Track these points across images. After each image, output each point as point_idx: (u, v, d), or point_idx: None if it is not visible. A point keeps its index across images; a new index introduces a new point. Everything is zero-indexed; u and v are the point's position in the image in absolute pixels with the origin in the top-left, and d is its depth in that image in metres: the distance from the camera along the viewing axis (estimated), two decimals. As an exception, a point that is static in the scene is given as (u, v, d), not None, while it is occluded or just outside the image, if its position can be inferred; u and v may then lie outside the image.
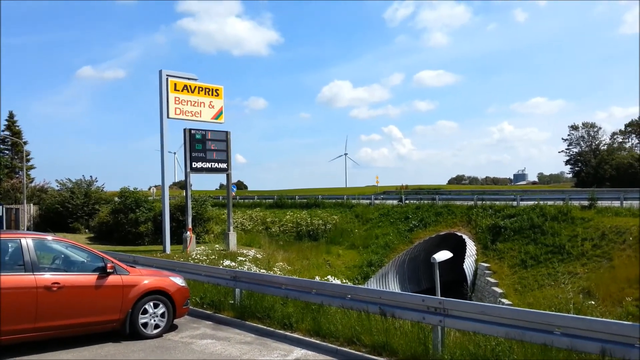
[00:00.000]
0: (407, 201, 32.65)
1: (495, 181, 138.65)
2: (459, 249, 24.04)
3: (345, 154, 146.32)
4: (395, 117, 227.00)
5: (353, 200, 35.54)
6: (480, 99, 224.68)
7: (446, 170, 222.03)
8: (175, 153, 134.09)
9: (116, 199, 29.06)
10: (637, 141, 74.94)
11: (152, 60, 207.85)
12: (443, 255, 8.00)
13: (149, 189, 58.69)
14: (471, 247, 23.83)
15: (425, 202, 31.07)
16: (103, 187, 32.65)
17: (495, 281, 20.83)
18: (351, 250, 27.96)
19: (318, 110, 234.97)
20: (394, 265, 26.00)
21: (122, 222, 25.22)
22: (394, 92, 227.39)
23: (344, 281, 18.91)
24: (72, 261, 7.78)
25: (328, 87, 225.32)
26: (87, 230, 29.18)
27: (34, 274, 7.20)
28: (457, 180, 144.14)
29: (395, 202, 33.35)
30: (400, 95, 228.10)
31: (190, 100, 21.11)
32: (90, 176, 32.30)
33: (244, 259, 18.42)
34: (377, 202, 34.33)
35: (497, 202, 27.21)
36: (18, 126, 49.69)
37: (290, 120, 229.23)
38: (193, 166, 20.68)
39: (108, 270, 7.76)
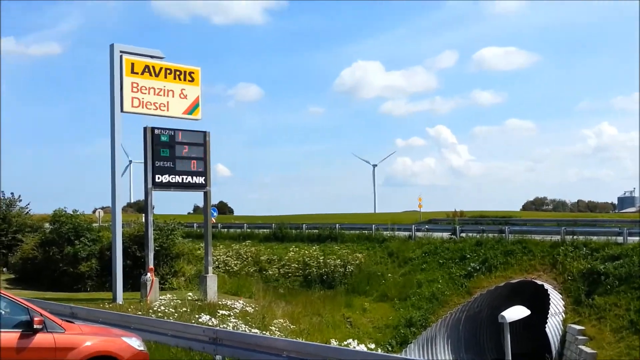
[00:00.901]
0: (463, 234, 32.50)
1: (591, 207, 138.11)
2: (538, 304, 23.78)
3: (374, 166, 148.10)
4: (445, 114, 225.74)
5: (385, 232, 35.41)
6: (568, 89, 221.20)
7: (519, 190, 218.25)
8: (131, 162, 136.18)
9: (47, 225, 29.28)
10: None
11: (99, 31, 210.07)
12: (516, 312, 7.96)
13: (94, 212, 59.27)
14: (557, 302, 23.64)
15: (490, 235, 30.89)
16: (28, 210, 32.96)
17: (593, 351, 20.60)
18: (382, 303, 27.85)
19: (335, 103, 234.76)
20: (445, 326, 25.84)
21: (54, 258, 25.38)
22: (444, 78, 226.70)
23: (372, 348, 18.79)
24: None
25: (349, 70, 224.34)
26: (5, 270, 29.42)
27: None
28: (536, 205, 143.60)
29: (445, 234, 33.19)
30: (453, 83, 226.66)
31: (153, 87, 21.35)
32: (12, 193, 32.59)
33: (228, 313, 18.40)
34: (419, 234, 34.20)
35: (595, 238, 27.08)
36: None
37: (295, 117, 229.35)
38: (157, 180, 20.83)
39: (35, 327, 7.82)
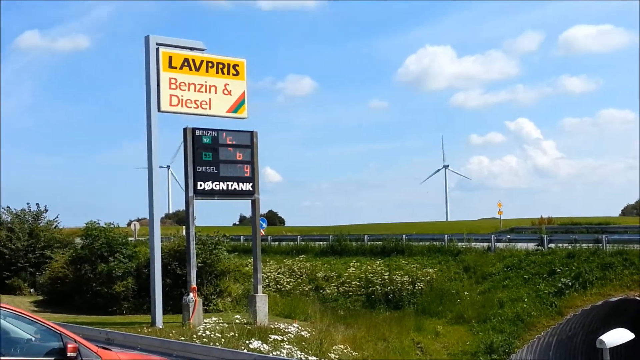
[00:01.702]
0: (551, 244, 31.94)
1: None
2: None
3: (445, 167, 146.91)
4: (528, 105, 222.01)
5: (459, 243, 35.01)
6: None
7: (618, 192, 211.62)
8: (169, 167, 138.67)
9: (78, 240, 29.91)
10: None
11: (131, 21, 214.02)
12: (617, 336, 7.81)
13: (130, 224, 60.45)
14: (665, 323, 23.03)
15: (584, 246, 30.27)
16: (57, 223, 33.61)
17: None
18: (457, 325, 27.60)
19: (398, 96, 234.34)
20: (532, 353, 25.47)
21: (87, 277, 25.91)
22: (527, 64, 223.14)
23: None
24: (12, 339, 8.05)
25: (415, 57, 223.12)
26: (32, 290, 30.15)
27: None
28: (639, 209, 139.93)
29: (531, 245, 32.64)
30: (538, 69, 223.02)
31: (194, 83, 21.62)
32: (37, 205, 33.17)
33: (281, 338, 18.47)
34: (500, 245, 33.75)
35: None
36: None
37: (354, 112, 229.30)
38: (199, 188, 21.09)
39: (69, 354, 7.97)
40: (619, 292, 26.01)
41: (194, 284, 21.08)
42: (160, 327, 20.25)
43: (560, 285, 27.75)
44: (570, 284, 27.59)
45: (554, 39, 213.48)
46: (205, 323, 20.22)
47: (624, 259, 27.67)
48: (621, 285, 26.40)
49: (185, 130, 21.15)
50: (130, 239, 29.96)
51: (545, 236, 32.72)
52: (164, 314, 21.29)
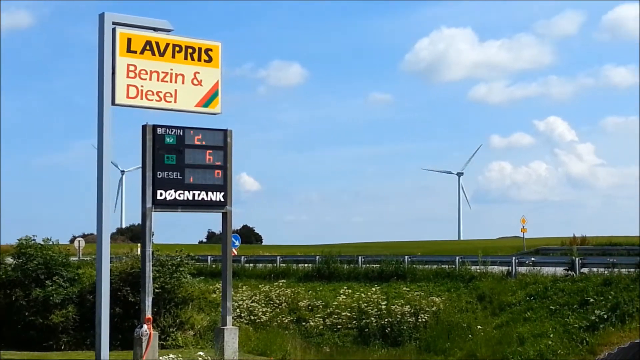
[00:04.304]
0: (584, 269, 32.10)
1: None
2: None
3: (459, 175, 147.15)
4: (562, 101, 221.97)
5: (473, 267, 35.13)
6: None
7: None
8: (123, 173, 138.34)
9: (9, 259, 29.79)
10: None
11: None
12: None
13: (73, 241, 60.36)
14: None
15: (623, 271, 30.49)
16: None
17: None
18: (469, 366, 27.66)
19: (405, 88, 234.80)
20: (558, 400, 25.50)
21: (18, 304, 25.74)
22: (563, 50, 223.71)
23: None
24: None
25: (427, 41, 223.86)
26: (-47, 321, 29.97)
27: None
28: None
29: (559, 270, 32.82)
30: (576, 57, 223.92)
31: (157, 71, 21.47)
32: (-38, 217, 33.22)
33: (253, 380, 18.42)
34: (522, 269, 33.88)
35: None
36: None
37: (352, 107, 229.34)
38: (159, 197, 20.96)
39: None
40: (663, 327, 26.15)
41: (149, 314, 20.93)
42: (107, 366, 20.13)
43: (593, 318, 27.86)
44: (605, 316, 27.70)
45: (597, 20, 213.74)
46: (162, 362, 20.13)
47: (672, 288, 27.83)
48: (667, 319, 26.54)
49: (144, 127, 21.03)
50: (72, 258, 29.85)
51: (576, 259, 32.90)
52: (111, 349, 21.08)
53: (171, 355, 21.20)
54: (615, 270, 30.93)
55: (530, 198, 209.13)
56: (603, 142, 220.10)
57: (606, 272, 30.94)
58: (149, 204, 20.91)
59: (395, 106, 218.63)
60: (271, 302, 34.21)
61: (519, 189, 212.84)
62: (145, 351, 20.51)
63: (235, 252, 43.00)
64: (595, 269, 31.90)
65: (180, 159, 21.29)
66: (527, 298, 30.83)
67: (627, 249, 47.01)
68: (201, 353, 21.34)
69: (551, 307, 29.56)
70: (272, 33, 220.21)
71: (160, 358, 20.73)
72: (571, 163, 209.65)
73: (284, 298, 34.60)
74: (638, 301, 27.74)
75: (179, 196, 21.28)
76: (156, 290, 23.40)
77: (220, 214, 22.37)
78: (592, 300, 28.88)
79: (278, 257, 43.80)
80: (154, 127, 21.10)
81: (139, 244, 24.77)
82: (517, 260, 34.82)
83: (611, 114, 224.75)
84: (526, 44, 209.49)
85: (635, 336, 26.13)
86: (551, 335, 27.77)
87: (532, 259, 36.29)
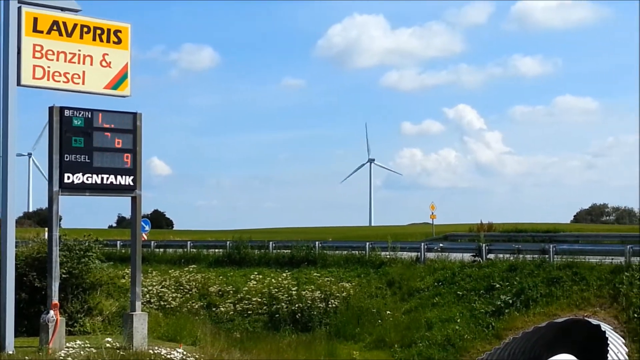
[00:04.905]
0: (491, 255, 32.62)
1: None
2: (593, 352, 23.92)
3: (370, 161, 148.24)
4: (472, 89, 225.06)
5: (383, 253, 35.39)
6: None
7: (572, 195, 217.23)
8: (31, 155, 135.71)
9: None
10: None
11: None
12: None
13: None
14: (618, 348, 23.81)
15: (528, 257, 31.06)
16: None
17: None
18: (377, 350, 27.91)
19: (318, 74, 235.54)
20: (464, 383, 25.90)
21: None
22: (473, 39, 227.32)
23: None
24: None
25: (340, 27, 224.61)
26: None
27: None
28: (593, 215, 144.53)
29: (467, 256, 33.33)
30: (485, 45, 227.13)
31: (65, 52, 21.16)
32: None
33: (162, 367, 18.32)
34: (431, 255, 34.27)
35: (673, 260, 27.36)
36: None
37: (264, 92, 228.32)
38: (66, 181, 20.65)
39: None
40: (566, 311, 26.69)
41: (55, 300, 20.64)
42: (11, 352, 19.77)
43: (499, 303, 28.31)
44: (510, 301, 28.18)
45: (506, 10, 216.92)
46: (68, 348, 19.83)
47: (574, 273, 28.41)
48: (569, 303, 27.07)
49: (51, 109, 20.68)
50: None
51: (483, 245, 33.37)
52: (16, 336, 20.74)
53: (78, 342, 20.95)
54: (520, 256, 31.47)
55: (440, 185, 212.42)
56: (511, 130, 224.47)
57: (512, 258, 31.42)
58: (55, 188, 20.59)
59: (308, 92, 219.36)
60: (181, 288, 34.00)
61: (429, 175, 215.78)
62: (52, 337, 20.24)
63: (145, 237, 42.66)
64: (501, 255, 32.35)
65: (89, 142, 20.99)
66: (436, 284, 31.17)
67: (532, 236, 48.21)
68: (109, 339, 21.13)
69: (459, 292, 29.94)
70: (183, 16, 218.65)
71: (67, 344, 20.46)
72: (480, 151, 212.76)
73: (194, 283, 34.44)
74: (542, 287, 28.19)
75: (87, 180, 20.99)
76: (63, 276, 23.07)
77: (130, 198, 22.20)
78: (497, 285, 29.31)
79: (189, 242, 43.52)
80: (61, 109, 20.76)
81: (46, 228, 24.34)
82: (426, 247, 35.16)
83: (519, 103, 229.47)
84: (437, 32, 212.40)
85: (539, 321, 26.59)
86: (458, 320, 28.10)
87: (441, 245, 36.65)
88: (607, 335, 24.54)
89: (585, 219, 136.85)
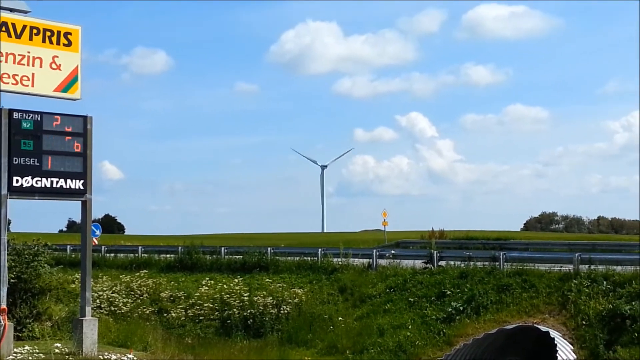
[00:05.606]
0: (442, 262, 32.81)
1: (616, 226, 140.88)
2: (543, 357, 24.07)
3: (323, 167, 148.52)
4: (424, 97, 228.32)
5: (335, 259, 35.44)
6: (592, 66, 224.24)
7: (522, 203, 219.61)
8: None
9: None
10: None
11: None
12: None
13: None
14: (566, 354, 24.04)
15: (479, 264, 31.28)
16: None
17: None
18: (329, 357, 27.92)
19: (271, 79, 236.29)
20: (415, 390, 25.97)
21: None
22: (425, 47, 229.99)
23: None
24: None
25: (293, 33, 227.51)
26: None
27: None
28: (543, 223, 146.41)
29: (418, 263, 33.47)
30: (438, 54, 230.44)
31: (13, 54, 20.98)
32: None
33: (112, 373, 18.20)
34: (383, 262, 34.38)
35: (619, 268, 27.56)
36: None
37: (217, 97, 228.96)
38: (15, 184, 20.45)
39: None
40: (516, 318, 26.88)
41: (3, 305, 20.41)
42: (-42, 358, 19.56)
43: (450, 310, 28.43)
44: (461, 308, 28.32)
45: (458, 19, 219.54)
46: (16, 353, 19.67)
47: (523, 280, 28.63)
48: (519, 310, 27.28)
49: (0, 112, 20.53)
50: None
51: (435, 252, 33.50)
52: (-37, 342, 20.56)
53: (27, 347, 20.77)
54: (471, 263, 31.64)
55: (392, 192, 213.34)
56: (462, 138, 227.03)
57: (462, 265, 31.57)
58: (4, 191, 20.37)
59: (261, 97, 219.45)
60: (132, 293, 33.79)
61: (381, 182, 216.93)
62: (0, 343, 20.04)
63: (96, 242, 42.41)
64: (452, 262, 32.50)
65: (38, 145, 20.81)
66: (387, 290, 31.24)
67: (482, 243, 48.60)
68: (58, 345, 20.97)
69: (410, 299, 30.03)
70: (135, 19, 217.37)
71: (15, 350, 20.26)
72: (432, 158, 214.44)
73: (145, 289, 34.23)
74: (492, 293, 28.36)
75: (36, 183, 20.81)
76: (12, 280, 22.85)
77: (80, 202, 22.02)
78: (449, 292, 29.44)
79: (140, 247, 43.33)
80: (10, 111, 20.56)
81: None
82: (377, 253, 35.26)
83: (470, 112, 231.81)
84: (390, 39, 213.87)
85: (489, 327, 26.73)
86: (410, 327, 28.18)
87: (393, 251, 36.71)
88: (556, 342, 24.74)
89: (535, 227, 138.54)
